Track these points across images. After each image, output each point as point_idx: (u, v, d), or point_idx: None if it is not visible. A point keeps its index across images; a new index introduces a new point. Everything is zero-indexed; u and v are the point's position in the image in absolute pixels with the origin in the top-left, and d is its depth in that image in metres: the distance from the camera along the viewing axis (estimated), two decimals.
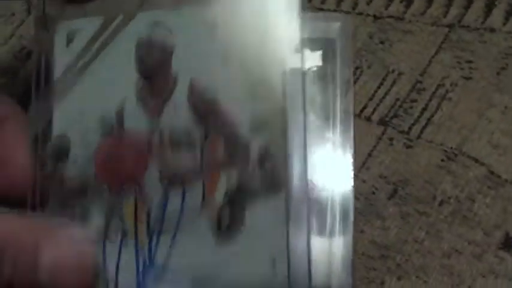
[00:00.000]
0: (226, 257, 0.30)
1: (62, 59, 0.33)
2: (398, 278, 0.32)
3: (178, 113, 0.31)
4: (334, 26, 0.35)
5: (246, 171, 0.31)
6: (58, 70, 0.33)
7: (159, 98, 0.32)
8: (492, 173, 0.32)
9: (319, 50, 0.34)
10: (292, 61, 0.32)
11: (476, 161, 0.33)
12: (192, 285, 0.30)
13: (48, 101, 0.33)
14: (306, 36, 0.34)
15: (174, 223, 0.31)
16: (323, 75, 0.34)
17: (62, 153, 0.32)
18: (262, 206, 0.30)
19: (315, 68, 0.33)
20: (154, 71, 0.32)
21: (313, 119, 0.33)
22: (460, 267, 0.32)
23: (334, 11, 0.36)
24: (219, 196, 0.31)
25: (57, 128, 0.32)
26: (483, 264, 0.31)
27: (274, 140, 0.31)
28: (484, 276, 0.31)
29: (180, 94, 0.31)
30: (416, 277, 0.32)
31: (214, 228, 0.30)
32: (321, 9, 0.36)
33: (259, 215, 0.30)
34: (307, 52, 0.34)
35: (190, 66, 0.32)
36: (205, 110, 0.31)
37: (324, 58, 0.34)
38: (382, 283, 0.32)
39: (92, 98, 0.32)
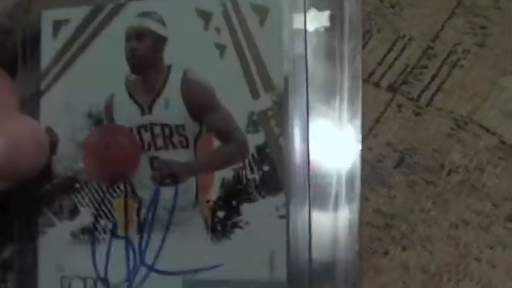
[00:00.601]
0: (220, 256, 0.29)
1: (47, 49, 0.32)
2: (403, 248, 0.31)
3: (170, 108, 0.30)
4: None
5: (242, 171, 0.30)
6: (44, 60, 0.32)
7: (150, 92, 0.30)
8: (503, 142, 0.31)
9: (326, 10, 0.33)
10: (294, 45, 0.30)
11: (487, 130, 0.32)
12: (183, 285, 0.29)
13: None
14: None
15: (165, 221, 0.30)
16: (330, 38, 0.32)
17: (50, 147, 0.31)
18: (261, 206, 0.29)
19: (322, 29, 0.32)
20: (146, 64, 0.31)
21: (318, 84, 0.32)
22: (467, 239, 0.31)
23: None
24: (213, 195, 0.30)
25: (43, 122, 0.31)
26: (490, 236, 0.31)
27: (272, 139, 0.29)
28: (491, 248, 0.30)
29: (173, 88, 0.30)
30: (422, 247, 0.31)
31: (208, 227, 0.29)
32: None
33: (256, 214, 0.29)
34: (314, 12, 0.33)
35: (183, 58, 0.30)
36: (200, 105, 0.30)
37: (332, 19, 0.32)
38: (386, 253, 0.31)
39: (80, 91, 0.31)
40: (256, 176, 0.29)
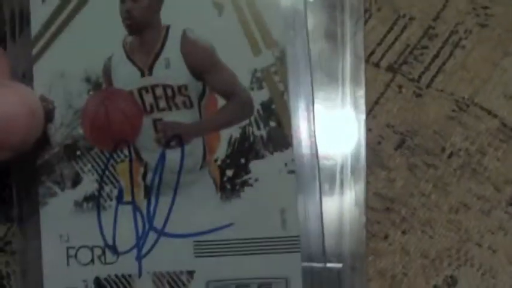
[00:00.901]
0: (231, 216, 0.29)
1: (37, 14, 0.30)
2: (403, 232, 0.30)
3: (171, 69, 0.29)
4: None
5: (249, 128, 0.29)
6: (34, 26, 0.30)
7: (149, 54, 0.30)
8: (505, 125, 0.31)
9: None
10: (294, 3, 0.30)
11: (489, 112, 0.31)
12: (194, 247, 0.29)
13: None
14: None
15: (173, 184, 0.29)
16: (331, 9, 0.31)
17: (45, 115, 0.29)
18: (269, 162, 0.29)
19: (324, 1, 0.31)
20: (143, 25, 0.30)
21: (319, 62, 0.31)
22: (467, 223, 0.30)
23: None
24: (221, 154, 0.29)
25: (37, 89, 0.30)
26: (492, 221, 0.30)
27: (277, 95, 0.29)
28: (492, 233, 0.30)
29: (173, 49, 0.29)
30: (422, 232, 0.30)
31: (217, 187, 0.29)
32: None
33: (266, 170, 0.29)
34: None
35: (182, 17, 0.30)
36: (201, 65, 0.29)
37: None
38: (386, 237, 0.30)
39: (75, 56, 0.30)
40: (263, 133, 0.29)
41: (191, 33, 0.29)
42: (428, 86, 0.31)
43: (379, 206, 0.30)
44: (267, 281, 0.28)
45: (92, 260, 0.29)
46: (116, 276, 0.29)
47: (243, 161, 0.29)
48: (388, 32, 0.32)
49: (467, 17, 0.32)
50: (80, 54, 0.30)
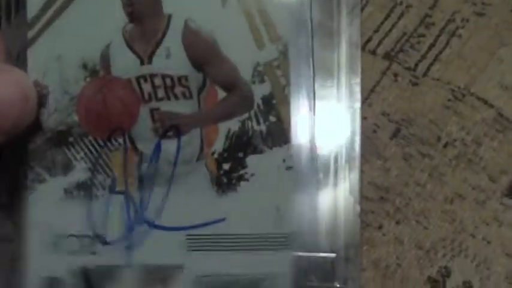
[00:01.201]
0: (225, 210, 0.28)
1: None
2: (397, 222, 0.30)
3: (172, 59, 0.29)
4: None
5: (248, 122, 0.29)
6: (31, 8, 0.29)
7: (150, 42, 0.29)
8: (501, 115, 0.30)
9: None
10: None
11: (485, 102, 0.31)
12: (186, 241, 0.28)
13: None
14: None
15: (168, 175, 0.28)
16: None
17: (39, 100, 0.29)
18: (267, 157, 0.28)
19: None
20: (144, 13, 0.29)
21: (316, 50, 0.30)
22: (462, 214, 0.30)
23: None
24: (218, 147, 0.28)
25: (31, 73, 0.29)
26: (487, 211, 0.30)
27: (278, 89, 0.28)
28: (487, 224, 0.30)
29: (174, 38, 0.29)
30: (416, 222, 0.30)
31: (213, 180, 0.28)
32: None
33: (263, 165, 0.28)
34: None
35: (184, 6, 0.29)
36: (202, 56, 0.29)
37: None
38: (380, 227, 0.30)
39: (72, 42, 0.29)
40: (263, 127, 0.28)
41: (193, 24, 0.29)
42: (424, 74, 0.31)
43: (373, 195, 0.30)
44: (258, 277, 0.28)
45: (80, 249, 0.28)
46: (104, 266, 0.28)
47: (240, 155, 0.28)
48: (385, 19, 0.32)
49: (464, 5, 0.32)
50: (77, 40, 0.29)
